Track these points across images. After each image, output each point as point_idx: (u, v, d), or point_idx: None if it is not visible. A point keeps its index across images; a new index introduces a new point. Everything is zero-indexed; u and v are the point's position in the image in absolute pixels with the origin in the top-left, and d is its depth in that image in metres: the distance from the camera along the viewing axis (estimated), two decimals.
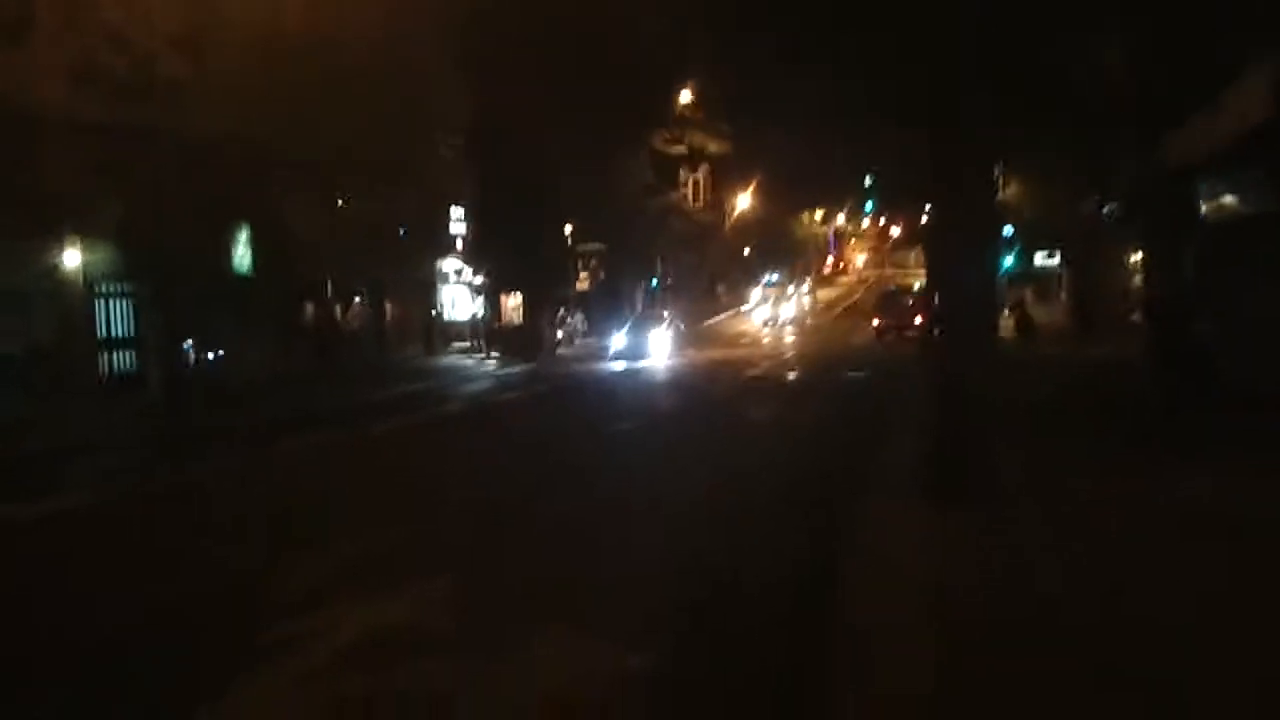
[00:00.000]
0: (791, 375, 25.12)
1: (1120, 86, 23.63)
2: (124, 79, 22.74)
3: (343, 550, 8.17)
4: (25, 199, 21.31)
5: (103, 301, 23.89)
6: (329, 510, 9.99)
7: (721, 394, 21.32)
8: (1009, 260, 40.00)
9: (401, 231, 36.79)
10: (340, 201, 33.15)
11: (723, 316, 56.56)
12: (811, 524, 8.50)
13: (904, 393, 18.45)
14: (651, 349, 33.45)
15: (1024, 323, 29.86)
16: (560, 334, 44.31)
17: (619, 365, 30.03)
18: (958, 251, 8.49)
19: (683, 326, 40.51)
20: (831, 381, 23.43)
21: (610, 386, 25.33)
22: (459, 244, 41.09)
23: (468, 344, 40.20)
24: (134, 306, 25.00)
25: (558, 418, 18.21)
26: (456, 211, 41.29)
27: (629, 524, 8.93)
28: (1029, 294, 38.46)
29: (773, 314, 58.85)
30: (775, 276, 67.10)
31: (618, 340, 34.66)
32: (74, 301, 22.77)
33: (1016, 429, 10.46)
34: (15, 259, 21.61)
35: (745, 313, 59.89)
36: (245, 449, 15.08)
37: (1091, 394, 15.59)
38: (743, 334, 49.58)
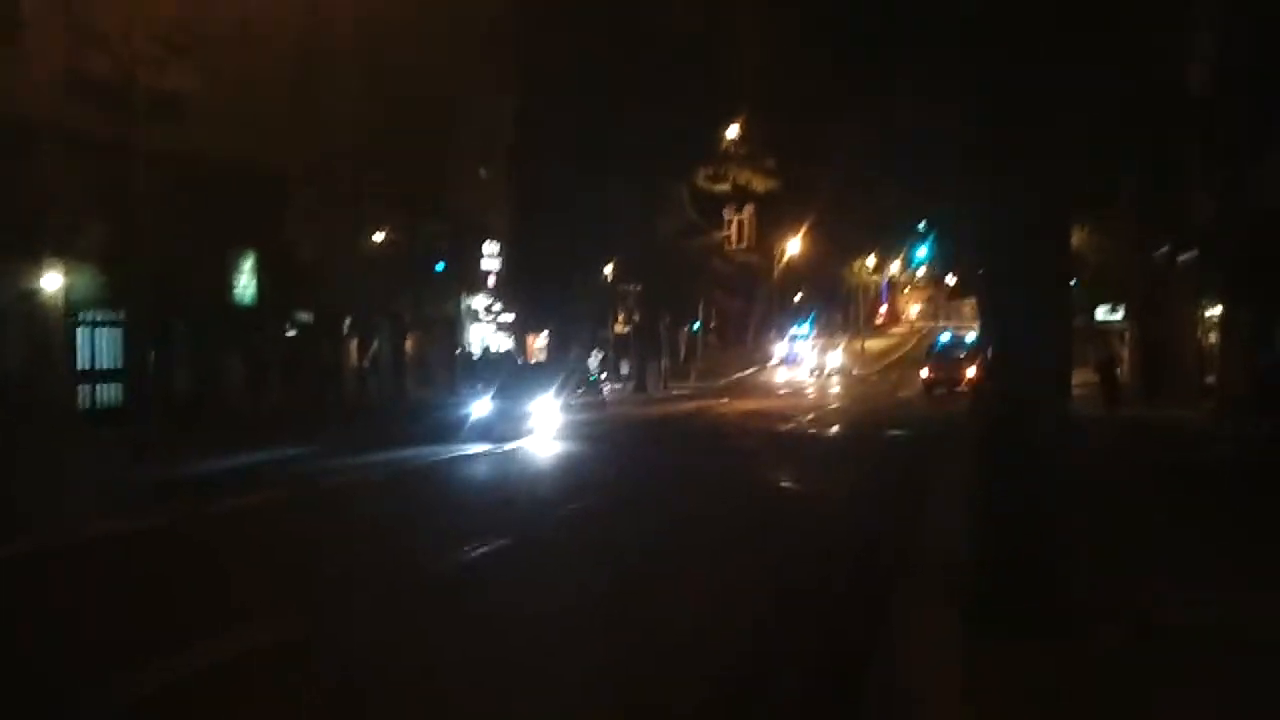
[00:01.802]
0: (828, 431, 22.86)
1: (1198, 116, 21.36)
2: (122, 91, 21.23)
3: None
4: (2, 215, 19.83)
5: (86, 330, 22.24)
6: None
7: (745, 452, 19.13)
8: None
9: (439, 264, 35.14)
10: (361, 231, 31.51)
11: (762, 366, 54.24)
12: (811, 656, 6.32)
13: (951, 458, 16.20)
14: (535, 422, 22.50)
15: (1110, 384, 24.67)
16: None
17: (478, 448, 19.43)
18: (1026, 305, 6.38)
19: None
20: (871, 441, 21.15)
21: (619, 437, 23.21)
22: (490, 280, 39.40)
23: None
24: (123, 336, 23.39)
25: (509, 488, 15.05)
26: (491, 247, 39.67)
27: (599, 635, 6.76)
28: (1121, 351, 32.02)
29: (819, 363, 56.68)
30: (806, 328, 64.61)
31: (479, 408, 23.35)
32: (52, 328, 21.11)
33: (1094, 515, 8.15)
34: None
35: (771, 367, 57.57)
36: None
37: (1181, 470, 13.14)
38: (785, 384, 47.41)
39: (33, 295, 20.59)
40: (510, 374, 28.32)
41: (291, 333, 28.96)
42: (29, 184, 20.16)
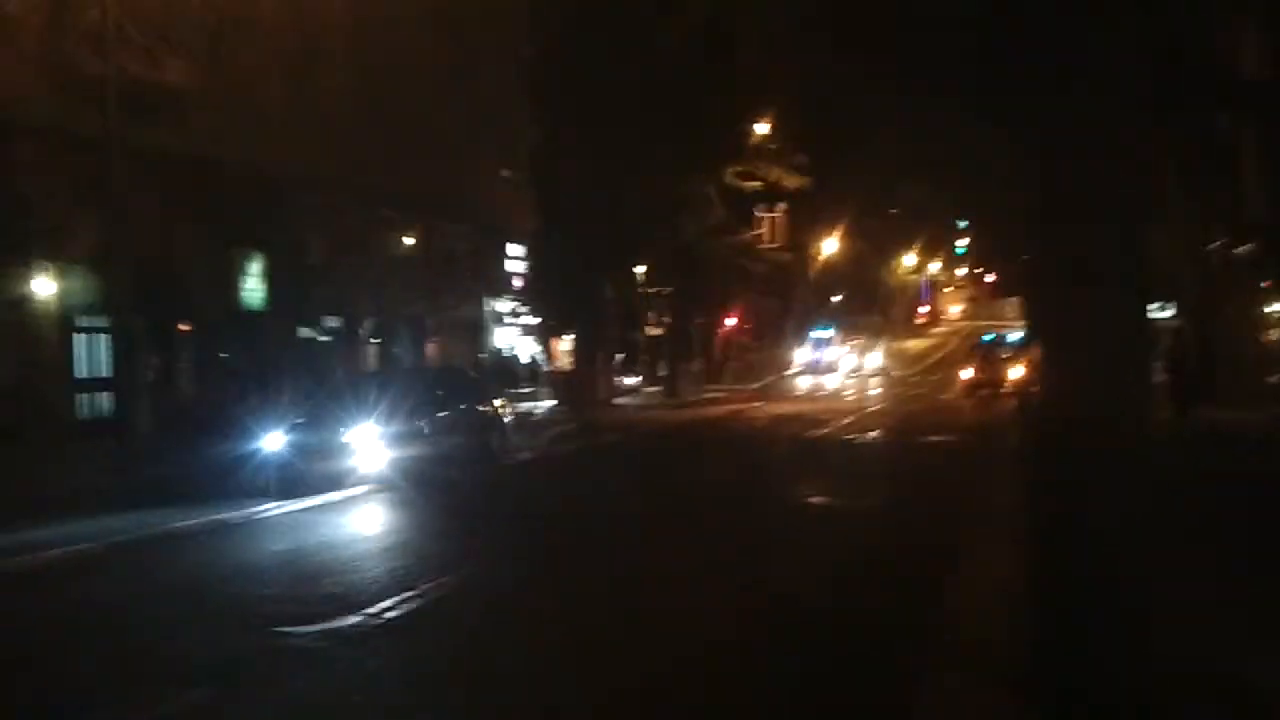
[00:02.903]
0: (863, 438, 21.45)
1: (1252, 101, 19.77)
2: (114, 88, 20.26)
3: None
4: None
5: (84, 337, 21.29)
6: None
7: (770, 463, 17.79)
8: None
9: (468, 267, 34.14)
10: (375, 233, 30.49)
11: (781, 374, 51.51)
12: None
13: (995, 470, 14.79)
14: (363, 461, 15.69)
15: (1179, 385, 20.99)
16: (622, 381, 41.25)
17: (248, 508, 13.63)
18: (1092, 303, 5.08)
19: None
20: (908, 449, 19.73)
21: (630, 446, 21.94)
22: (515, 283, 38.29)
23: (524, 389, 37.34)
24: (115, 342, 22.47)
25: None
26: (515, 250, 38.58)
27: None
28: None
29: (857, 364, 55.23)
30: (829, 330, 58.69)
31: (272, 442, 16.17)
32: (45, 335, 20.18)
33: (1175, 551, 6.72)
34: None
35: (783, 379, 49.93)
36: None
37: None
38: (820, 386, 45.96)
39: (24, 302, 19.68)
40: (336, 390, 19.32)
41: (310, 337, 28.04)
42: (17, 185, 19.30)
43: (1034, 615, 5.07)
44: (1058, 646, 4.81)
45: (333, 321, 28.98)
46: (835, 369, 52.89)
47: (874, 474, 15.81)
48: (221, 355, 23.75)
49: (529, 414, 29.56)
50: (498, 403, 20.27)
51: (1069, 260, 5.20)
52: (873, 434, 22.16)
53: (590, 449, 21.19)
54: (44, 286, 19.90)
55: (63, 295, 20.24)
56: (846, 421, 25.25)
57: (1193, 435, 16.20)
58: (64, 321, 20.54)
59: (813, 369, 52.90)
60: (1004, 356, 36.17)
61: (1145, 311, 5.40)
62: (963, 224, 58.17)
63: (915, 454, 18.68)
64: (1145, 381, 5.33)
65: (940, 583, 7.32)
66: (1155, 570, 5.07)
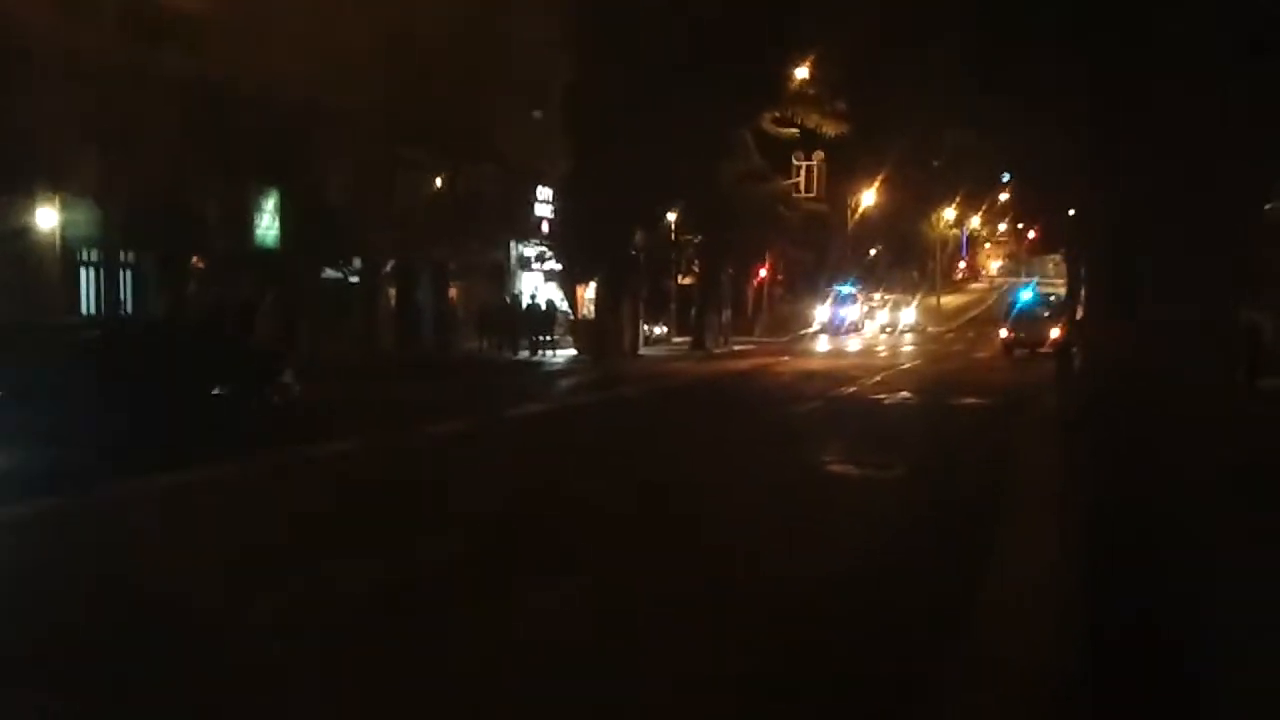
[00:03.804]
0: (892, 397, 20.50)
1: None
2: (125, 11, 19.47)
3: None
4: None
5: (90, 270, 20.67)
6: None
7: (792, 420, 16.90)
8: None
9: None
10: (397, 172, 29.61)
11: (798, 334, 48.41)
12: None
13: (1035, 435, 13.86)
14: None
15: (1254, 350, 17.80)
16: (652, 331, 40.40)
17: None
18: (1176, 249, 4.19)
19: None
20: (941, 410, 18.78)
21: (651, 400, 21.12)
22: (543, 227, 37.35)
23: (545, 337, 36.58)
24: (132, 278, 21.88)
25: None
26: (544, 193, 37.59)
27: None
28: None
29: (891, 320, 54.15)
30: (850, 286, 54.68)
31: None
32: (50, 268, 19.57)
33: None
34: None
35: (810, 335, 46.59)
36: None
37: None
38: (859, 336, 45.01)
39: (25, 233, 19.05)
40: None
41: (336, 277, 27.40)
42: (19, 113, 18.54)
43: (1090, 626, 4.20)
44: (1117, 659, 3.95)
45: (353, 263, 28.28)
46: (858, 329, 49.48)
47: (902, 438, 14.90)
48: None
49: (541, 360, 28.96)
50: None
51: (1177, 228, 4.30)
52: (903, 394, 21.20)
53: (601, 402, 20.34)
54: (47, 218, 19.24)
55: (66, 228, 19.58)
56: (876, 379, 24.28)
57: (1264, 402, 15.04)
58: (68, 255, 19.89)
59: (833, 329, 48.90)
60: (1044, 315, 35.15)
61: (1239, 279, 4.53)
62: (1005, 178, 56.31)
63: (948, 416, 17.73)
64: (1233, 346, 4.44)
65: (973, 580, 6.43)
66: (1237, 569, 4.19)
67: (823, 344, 40.58)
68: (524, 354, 31.82)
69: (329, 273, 27.46)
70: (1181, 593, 3.94)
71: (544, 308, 33.76)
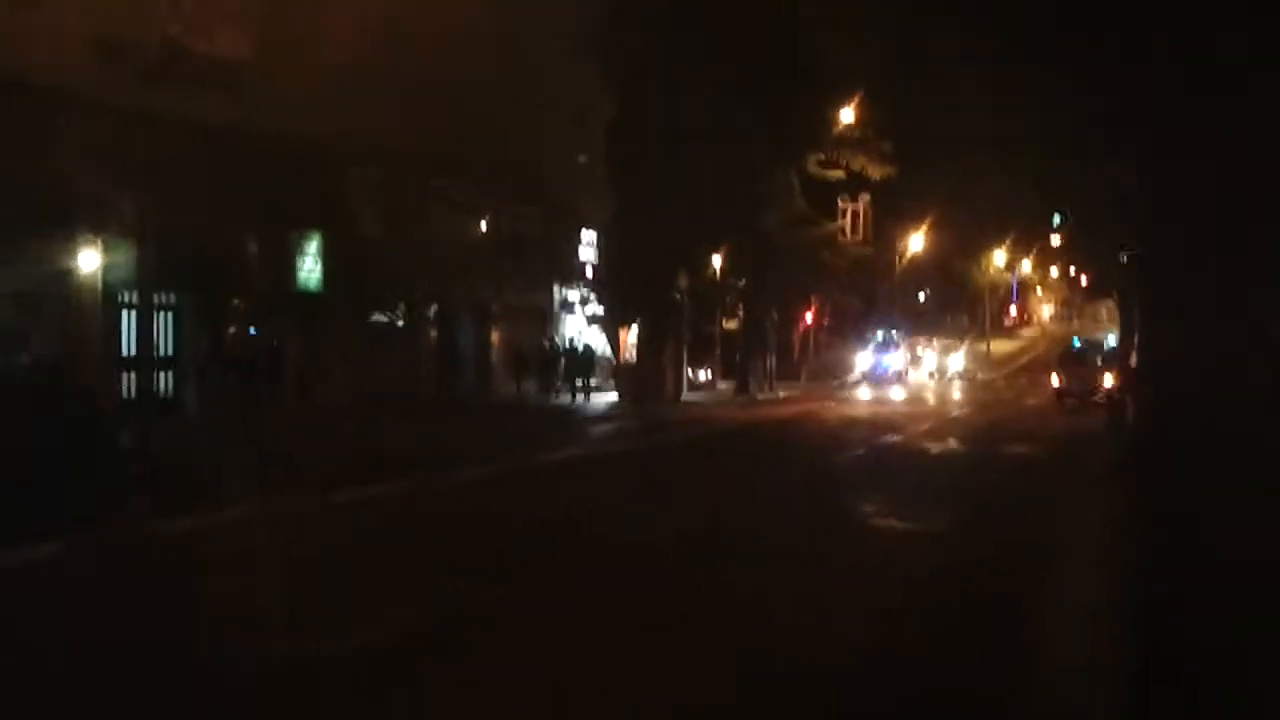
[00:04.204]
0: (938, 446, 19.93)
1: None
2: (162, 58, 19.62)
3: None
4: (37, 189, 18.31)
5: (130, 313, 20.72)
6: None
7: (834, 470, 16.40)
8: None
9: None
10: (439, 215, 29.58)
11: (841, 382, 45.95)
12: None
13: (1087, 489, 13.27)
14: None
15: None
16: (696, 376, 39.97)
17: None
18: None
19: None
20: (989, 460, 18.17)
21: (695, 449, 20.67)
22: (589, 271, 37.19)
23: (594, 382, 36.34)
24: (173, 319, 21.92)
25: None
26: (588, 235, 37.49)
27: None
28: None
29: (939, 366, 53.32)
30: (893, 333, 50.68)
31: None
32: (90, 311, 19.61)
33: None
34: (21, 258, 18.67)
35: (846, 387, 43.63)
36: None
37: None
38: (904, 384, 44.22)
39: (67, 276, 19.12)
40: None
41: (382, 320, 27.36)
42: (61, 158, 18.70)
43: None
44: None
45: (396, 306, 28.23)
46: (901, 379, 46.62)
47: (949, 490, 14.35)
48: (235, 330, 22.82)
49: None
50: None
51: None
52: (951, 442, 20.62)
53: (634, 451, 19.88)
54: (88, 261, 19.29)
55: (108, 269, 19.63)
56: (923, 428, 23.69)
57: None
58: (109, 297, 19.93)
59: (874, 378, 45.55)
60: (1096, 362, 34.46)
61: None
62: (1057, 221, 55.50)
63: (997, 467, 17.13)
64: None
65: (1019, 659, 5.95)
66: None
67: (866, 392, 39.55)
68: (563, 398, 31.49)
69: (377, 316, 27.46)
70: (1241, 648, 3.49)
71: (581, 351, 33.31)
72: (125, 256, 19.78)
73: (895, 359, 48.42)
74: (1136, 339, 18.93)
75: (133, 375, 20.63)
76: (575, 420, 25.99)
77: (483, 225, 32.03)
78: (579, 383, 31.97)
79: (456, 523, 10.95)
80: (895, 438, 21.18)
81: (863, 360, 48.09)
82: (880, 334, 50.11)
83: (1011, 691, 5.39)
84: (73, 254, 19.06)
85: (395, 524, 10.97)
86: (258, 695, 5.48)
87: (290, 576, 8.05)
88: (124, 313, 20.56)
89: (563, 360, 33.02)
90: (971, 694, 5.45)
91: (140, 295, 17.56)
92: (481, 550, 9.34)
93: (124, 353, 20.58)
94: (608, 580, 8.25)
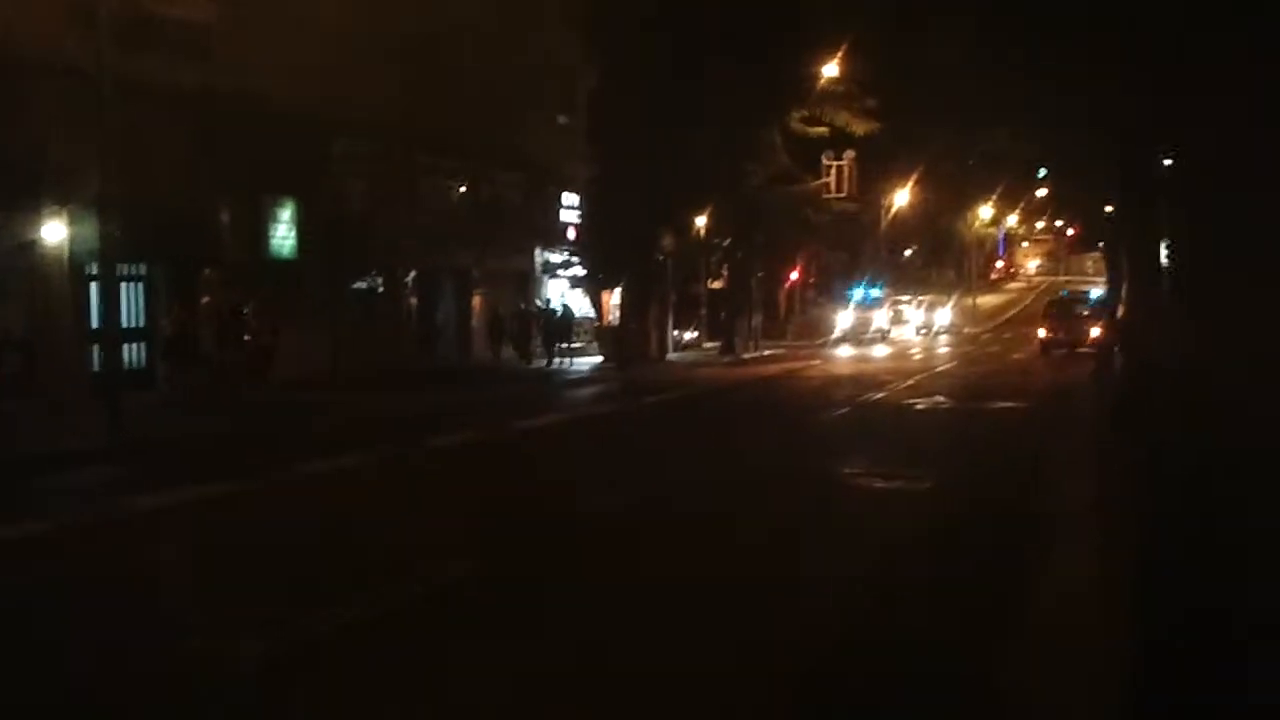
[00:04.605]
0: (923, 402, 19.68)
1: None
2: (131, 23, 18.98)
3: None
4: (5, 156, 17.81)
5: (97, 285, 20.19)
6: None
7: (818, 428, 16.16)
8: None
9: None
10: (416, 180, 29.08)
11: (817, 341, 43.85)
12: None
13: (1078, 441, 13.01)
14: None
15: None
16: (682, 336, 39.70)
17: None
18: None
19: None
20: (976, 415, 17.94)
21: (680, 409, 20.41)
22: (570, 233, 36.72)
23: (576, 344, 35.98)
24: (144, 290, 21.46)
25: None
26: (570, 199, 36.99)
27: None
28: None
29: (926, 321, 53.06)
30: (875, 291, 48.38)
31: None
32: (57, 283, 19.15)
33: None
34: None
35: (829, 346, 41.30)
36: None
37: None
38: (889, 341, 43.96)
39: (33, 246, 18.64)
40: None
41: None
42: (27, 126, 18.17)
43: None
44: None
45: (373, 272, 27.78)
46: (884, 337, 44.72)
47: (936, 447, 14.12)
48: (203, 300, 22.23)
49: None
50: None
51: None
52: (938, 398, 20.38)
53: (614, 413, 19.63)
54: (54, 232, 18.82)
55: (74, 241, 19.15)
56: (909, 383, 23.46)
57: None
58: (76, 269, 19.46)
59: (854, 337, 43.24)
60: (1083, 313, 34.35)
61: None
62: (1043, 173, 55.10)
63: (984, 422, 16.90)
64: None
65: (1007, 625, 5.69)
66: None
67: (847, 350, 38.98)
68: (541, 362, 30.95)
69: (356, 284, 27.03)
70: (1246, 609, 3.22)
71: (559, 314, 32.64)
72: (92, 227, 19.23)
73: (877, 316, 46.25)
74: (1124, 291, 18.70)
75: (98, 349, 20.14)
76: (554, 384, 25.68)
77: (462, 190, 31.49)
78: (558, 346, 31.30)
79: (427, 497, 10.67)
80: (881, 394, 20.93)
81: (843, 319, 45.83)
82: (860, 290, 47.80)
83: (990, 673, 5.12)
84: (39, 225, 18.54)
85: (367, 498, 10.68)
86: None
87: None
88: (92, 285, 20.04)
89: (540, 323, 32.41)
90: (944, 675, 5.18)
91: (106, 266, 16.98)
92: (445, 525, 9.06)
93: (92, 326, 20.07)
94: (576, 553, 7.99)
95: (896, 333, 47.22)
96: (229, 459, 12.79)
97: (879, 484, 11.06)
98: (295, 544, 8.43)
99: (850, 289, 48.51)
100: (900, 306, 51.40)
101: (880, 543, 8.36)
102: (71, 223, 19.08)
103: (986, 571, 6.99)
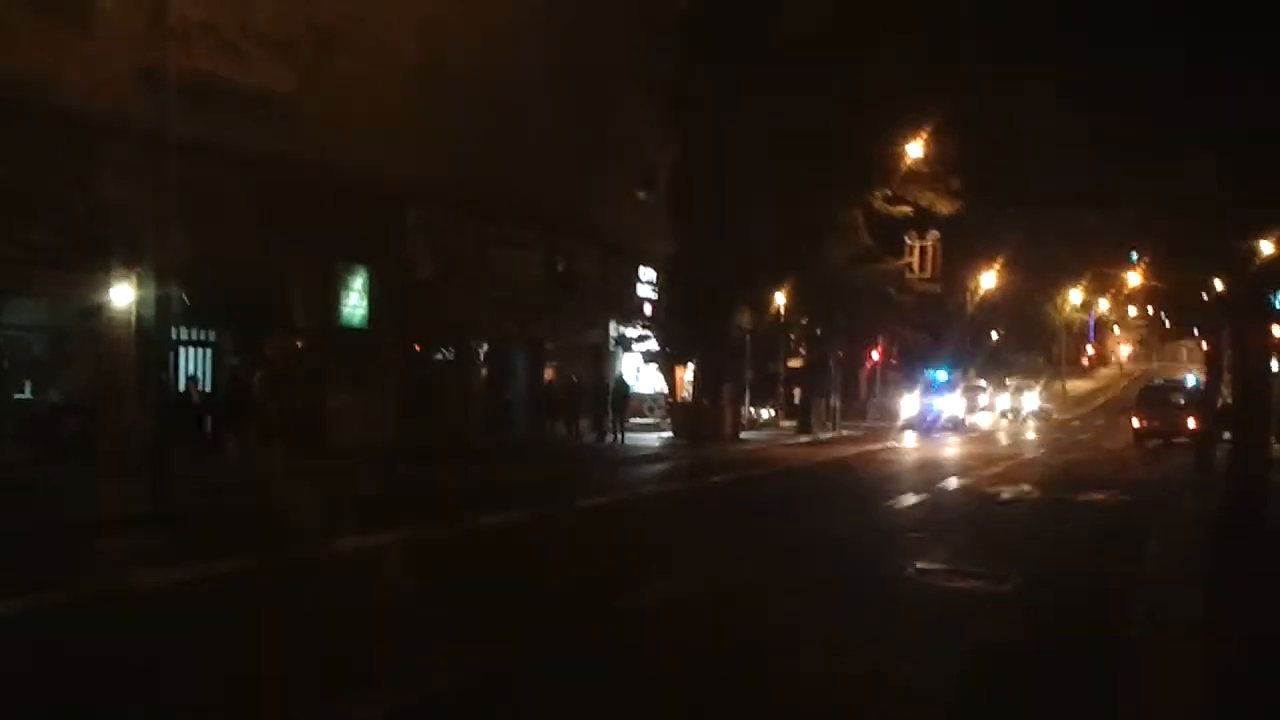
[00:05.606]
0: (1008, 492, 18.54)
1: None
2: (206, 88, 19.10)
3: None
4: (75, 218, 17.88)
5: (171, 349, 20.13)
6: None
7: (892, 517, 15.16)
8: None
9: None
10: (495, 250, 28.86)
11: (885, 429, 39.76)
12: None
13: (1180, 543, 11.90)
14: None
15: None
16: (759, 414, 38.91)
17: None
18: None
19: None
20: (1064, 509, 16.77)
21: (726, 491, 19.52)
22: (646, 308, 36.29)
23: (649, 419, 35.30)
24: (212, 357, 21.37)
25: None
26: (646, 273, 36.68)
27: None
28: None
29: (1013, 405, 51.57)
30: (944, 374, 44.43)
31: None
32: (125, 346, 19.05)
33: None
34: (56, 292, 18.30)
35: (897, 432, 37.72)
36: None
37: None
38: (973, 426, 42.53)
39: (99, 310, 18.61)
40: None
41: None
42: (99, 188, 18.25)
43: None
44: None
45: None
46: (955, 426, 40.56)
47: (1020, 542, 13.08)
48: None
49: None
50: None
51: None
52: (1024, 487, 19.22)
53: (677, 493, 18.79)
54: (123, 295, 18.77)
55: (142, 304, 19.07)
56: (993, 471, 22.27)
57: None
58: (144, 332, 19.36)
59: (922, 426, 39.27)
60: (1180, 402, 32.87)
61: None
62: (1134, 258, 53.50)
63: (1075, 517, 15.74)
64: None
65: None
66: None
67: (912, 439, 35.41)
68: (591, 437, 29.81)
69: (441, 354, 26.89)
70: None
71: (614, 387, 30.97)
72: (162, 291, 19.19)
73: (949, 402, 42.47)
74: (1227, 379, 17.52)
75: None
76: (614, 461, 24.80)
77: (538, 262, 31.24)
78: (611, 420, 29.67)
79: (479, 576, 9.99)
80: (963, 481, 19.84)
81: (908, 404, 42.05)
82: (932, 374, 44.11)
83: None
84: (107, 288, 18.53)
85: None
86: None
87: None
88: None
89: (589, 397, 31.04)
90: None
91: (172, 331, 16.86)
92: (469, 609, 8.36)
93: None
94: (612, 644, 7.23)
95: (973, 420, 45.10)
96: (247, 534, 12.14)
97: (957, 583, 10.10)
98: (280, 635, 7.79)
99: (927, 372, 45.93)
100: (977, 392, 49.08)
101: (948, 671, 7.40)
102: (140, 286, 19.03)
103: (1071, 707, 6.08)
